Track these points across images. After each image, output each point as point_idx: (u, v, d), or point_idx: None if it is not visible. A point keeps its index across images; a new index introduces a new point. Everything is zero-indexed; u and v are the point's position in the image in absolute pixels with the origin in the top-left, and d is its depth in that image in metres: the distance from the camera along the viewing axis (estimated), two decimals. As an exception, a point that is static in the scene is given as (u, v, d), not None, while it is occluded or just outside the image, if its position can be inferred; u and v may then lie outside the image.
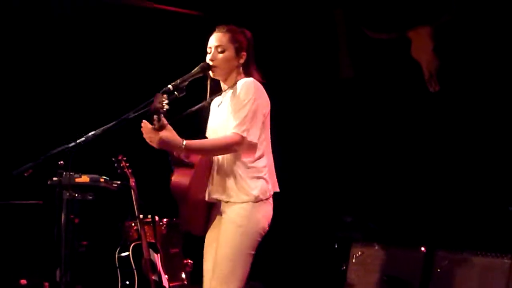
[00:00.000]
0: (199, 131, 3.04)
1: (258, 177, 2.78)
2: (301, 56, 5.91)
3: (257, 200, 2.75)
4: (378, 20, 5.34)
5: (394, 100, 5.22)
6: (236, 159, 2.77)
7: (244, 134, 2.71)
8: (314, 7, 5.80)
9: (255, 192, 2.75)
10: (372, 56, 5.39)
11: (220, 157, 2.81)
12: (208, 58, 2.86)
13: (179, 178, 2.71)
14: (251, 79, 2.82)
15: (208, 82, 2.95)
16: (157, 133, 2.59)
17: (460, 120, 4.79)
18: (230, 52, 2.84)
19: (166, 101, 2.54)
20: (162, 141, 2.60)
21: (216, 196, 2.81)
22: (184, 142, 2.64)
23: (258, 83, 2.83)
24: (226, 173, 2.78)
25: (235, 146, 2.72)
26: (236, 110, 2.74)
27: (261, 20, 5.51)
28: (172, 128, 2.64)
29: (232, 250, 2.73)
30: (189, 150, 2.69)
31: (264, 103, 2.83)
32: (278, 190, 2.90)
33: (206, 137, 3.00)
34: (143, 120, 2.64)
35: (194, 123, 3.03)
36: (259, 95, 2.80)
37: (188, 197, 2.73)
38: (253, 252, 2.78)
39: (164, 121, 2.59)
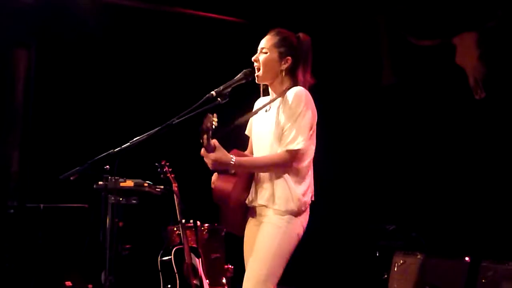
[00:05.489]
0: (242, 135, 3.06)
1: (302, 187, 2.77)
2: (343, 62, 5.90)
3: (298, 210, 2.75)
4: (422, 27, 5.28)
5: (438, 107, 5.14)
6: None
7: (299, 147, 2.70)
8: (357, 14, 5.78)
9: (297, 202, 2.74)
10: (414, 62, 5.33)
11: None
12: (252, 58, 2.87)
13: (222, 184, 2.73)
14: (301, 89, 2.79)
15: (261, 86, 2.93)
16: (208, 156, 2.62)
17: (506, 127, 4.69)
18: (272, 56, 2.83)
19: (216, 120, 2.56)
20: (214, 163, 2.64)
21: (259, 202, 2.80)
22: (234, 158, 2.66)
23: (308, 94, 2.80)
24: (270, 180, 2.77)
25: (287, 164, 2.73)
26: (287, 122, 2.73)
27: (303, 27, 5.52)
28: (222, 148, 2.66)
29: (269, 251, 2.72)
30: (239, 167, 2.71)
31: (313, 114, 2.81)
32: (313, 199, 2.88)
33: (247, 135, 3.04)
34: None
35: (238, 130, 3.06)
36: (309, 106, 2.78)
37: (228, 202, 2.75)
38: (288, 256, 2.76)
39: (214, 141, 2.62)
